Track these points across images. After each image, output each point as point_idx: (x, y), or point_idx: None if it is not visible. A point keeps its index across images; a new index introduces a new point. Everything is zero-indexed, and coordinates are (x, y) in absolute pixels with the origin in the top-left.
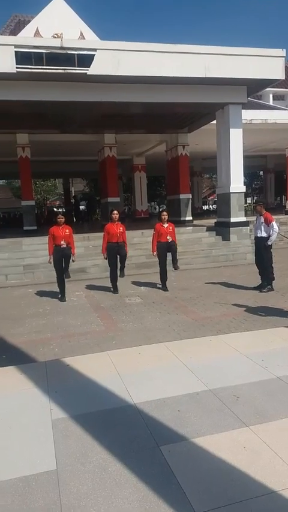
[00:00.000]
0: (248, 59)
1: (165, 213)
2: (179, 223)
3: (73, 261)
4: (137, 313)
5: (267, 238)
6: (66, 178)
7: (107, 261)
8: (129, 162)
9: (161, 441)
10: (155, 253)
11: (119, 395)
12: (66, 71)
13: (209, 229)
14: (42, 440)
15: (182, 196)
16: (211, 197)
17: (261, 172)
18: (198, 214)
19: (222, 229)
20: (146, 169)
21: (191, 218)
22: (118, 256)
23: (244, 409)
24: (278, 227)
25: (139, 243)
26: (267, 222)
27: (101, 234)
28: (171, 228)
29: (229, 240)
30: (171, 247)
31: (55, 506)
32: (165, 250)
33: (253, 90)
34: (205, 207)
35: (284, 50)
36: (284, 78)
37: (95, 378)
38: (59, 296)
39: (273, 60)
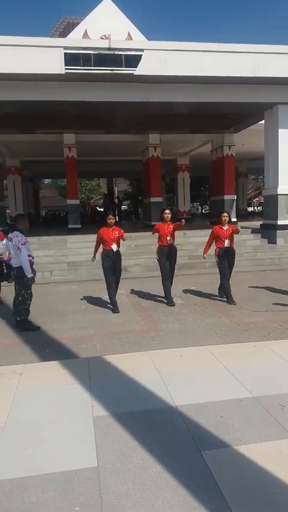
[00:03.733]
0: None
1: (167, 211)
2: None
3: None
4: (177, 314)
5: None
6: (110, 178)
7: (156, 260)
8: (172, 162)
9: (202, 446)
10: (205, 255)
11: (160, 396)
12: (113, 71)
13: (254, 231)
14: (84, 436)
15: (226, 197)
16: (256, 199)
17: None
18: (242, 215)
19: (269, 231)
20: (190, 169)
21: (235, 220)
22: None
23: None
24: None
25: (181, 243)
26: None
27: (144, 233)
28: (171, 227)
29: (275, 243)
30: (171, 252)
31: (96, 504)
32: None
33: None
34: (250, 209)
35: None
36: None
37: (136, 377)
38: (111, 307)
39: None
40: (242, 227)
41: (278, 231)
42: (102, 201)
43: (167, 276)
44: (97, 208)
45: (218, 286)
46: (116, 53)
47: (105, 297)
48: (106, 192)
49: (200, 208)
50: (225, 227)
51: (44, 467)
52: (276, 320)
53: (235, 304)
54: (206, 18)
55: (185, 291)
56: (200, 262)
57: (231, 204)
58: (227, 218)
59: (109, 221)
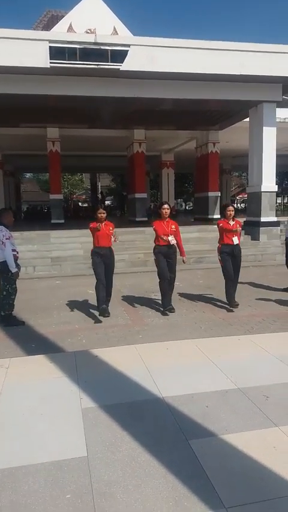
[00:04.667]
0: (284, 56)
1: (166, 206)
2: (207, 221)
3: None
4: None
5: None
6: (94, 173)
7: (135, 256)
8: (157, 159)
9: (190, 435)
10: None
11: (148, 388)
12: (99, 66)
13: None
14: (73, 427)
15: (210, 194)
16: (239, 196)
17: None
18: None
19: (252, 228)
20: (174, 166)
21: (218, 216)
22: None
23: (274, 409)
24: None
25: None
26: None
27: (128, 229)
28: (173, 226)
29: (258, 240)
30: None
31: (86, 491)
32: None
33: None
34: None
35: None
36: None
37: (124, 370)
38: (99, 308)
39: None
40: None
41: (261, 228)
42: (84, 196)
43: (165, 276)
44: (79, 203)
45: (201, 281)
46: (102, 47)
47: (91, 291)
48: (89, 187)
49: (183, 204)
50: (232, 222)
51: (34, 457)
52: (259, 314)
53: (237, 307)
54: (195, 16)
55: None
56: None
57: (215, 201)
58: (233, 212)
59: (99, 215)
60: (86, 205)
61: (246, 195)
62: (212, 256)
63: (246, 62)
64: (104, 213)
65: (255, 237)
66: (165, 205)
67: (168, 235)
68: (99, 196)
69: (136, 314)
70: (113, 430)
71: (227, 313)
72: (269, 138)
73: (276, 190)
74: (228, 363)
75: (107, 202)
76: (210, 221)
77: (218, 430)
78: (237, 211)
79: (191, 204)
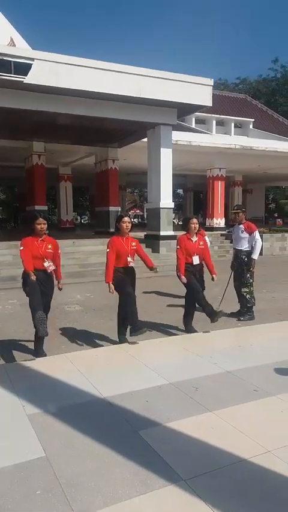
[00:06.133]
0: (180, 84)
1: (195, 220)
2: (108, 234)
3: (59, 289)
4: (80, 320)
5: (251, 251)
6: None
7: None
8: (54, 171)
9: (137, 427)
10: (184, 277)
11: (87, 391)
12: (1, 77)
13: (139, 241)
14: (24, 432)
15: (111, 208)
16: (132, 211)
17: (181, 191)
18: None
19: (152, 241)
20: (72, 179)
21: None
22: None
23: (204, 397)
24: (210, 242)
25: (71, 252)
26: (250, 232)
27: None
28: (201, 242)
29: (158, 252)
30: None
31: (55, 486)
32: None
33: (183, 113)
34: None
35: (212, 79)
36: (211, 105)
37: (60, 377)
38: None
39: (202, 87)
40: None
41: (160, 241)
42: None
43: (131, 302)
44: None
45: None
46: (5, 58)
47: (8, 306)
48: None
49: (79, 218)
50: (194, 238)
51: None
52: (171, 319)
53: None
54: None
55: (81, 298)
56: (90, 271)
57: (116, 216)
58: (197, 226)
59: (38, 226)
60: None
61: (138, 211)
62: None
63: (145, 86)
64: (45, 224)
65: (155, 250)
66: (125, 218)
67: (127, 256)
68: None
69: (53, 325)
70: (64, 431)
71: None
72: (166, 158)
73: (173, 206)
74: (156, 362)
75: None
76: (112, 234)
77: (162, 420)
78: (133, 226)
79: (86, 218)
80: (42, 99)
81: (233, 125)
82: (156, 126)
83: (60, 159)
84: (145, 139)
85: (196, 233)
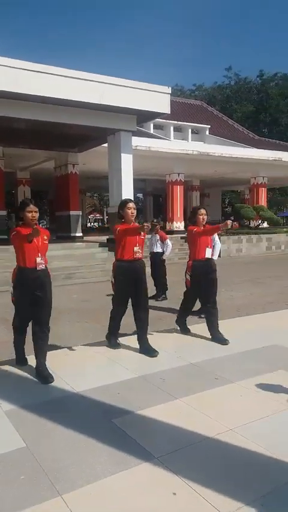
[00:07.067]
0: (139, 91)
1: (203, 211)
2: (69, 239)
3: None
4: None
5: (162, 253)
6: None
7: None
8: (12, 176)
9: (112, 416)
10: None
11: (61, 387)
12: None
13: (101, 245)
14: (2, 428)
15: (72, 212)
16: (91, 215)
17: (141, 195)
18: (84, 231)
19: (115, 245)
20: (31, 183)
21: (81, 234)
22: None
23: (171, 387)
24: (172, 244)
25: None
26: (163, 240)
27: None
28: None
29: None
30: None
31: (38, 471)
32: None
33: (142, 120)
34: (88, 224)
35: (170, 87)
36: (169, 112)
37: (32, 376)
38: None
39: (160, 95)
40: (89, 241)
41: None
42: None
43: (121, 310)
44: None
45: (75, 295)
46: None
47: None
48: None
49: (38, 222)
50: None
51: None
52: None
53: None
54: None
55: None
56: (54, 275)
57: (77, 219)
58: (205, 217)
59: (29, 215)
60: None
61: (98, 215)
62: (80, 272)
63: (106, 93)
64: (37, 212)
65: None
66: (131, 203)
67: (136, 246)
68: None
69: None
70: (42, 423)
71: (107, 322)
72: (127, 163)
73: None
74: (124, 358)
75: None
76: (73, 239)
77: (134, 408)
78: (94, 230)
79: (45, 222)
80: (1, 104)
81: (190, 130)
82: (116, 132)
83: (19, 164)
84: (105, 145)
85: (203, 225)
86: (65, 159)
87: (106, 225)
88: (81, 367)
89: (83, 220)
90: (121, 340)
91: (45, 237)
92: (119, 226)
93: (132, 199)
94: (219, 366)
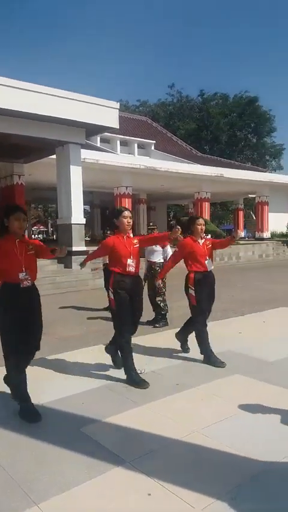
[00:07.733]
0: (88, 105)
1: (201, 221)
2: None
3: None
4: None
5: (163, 263)
6: None
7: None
8: None
9: (79, 425)
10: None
11: None
12: None
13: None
14: None
15: None
16: (36, 227)
17: (88, 207)
18: None
19: (64, 257)
20: None
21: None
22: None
23: (134, 394)
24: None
25: None
26: (163, 246)
27: None
28: (208, 242)
29: (71, 268)
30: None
31: (11, 483)
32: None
33: (91, 133)
34: (33, 236)
35: (118, 102)
36: (118, 127)
37: None
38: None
39: (109, 110)
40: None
41: (73, 257)
42: None
43: (128, 332)
44: None
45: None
46: None
47: None
48: None
49: None
50: (201, 241)
51: None
52: (92, 331)
53: (223, 367)
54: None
55: None
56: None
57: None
58: (204, 227)
59: (16, 223)
60: None
61: (42, 227)
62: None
63: (51, 105)
64: (24, 221)
65: (67, 265)
66: (127, 212)
67: (129, 257)
68: None
69: None
70: (6, 436)
71: (63, 334)
72: (76, 175)
73: (84, 222)
74: (87, 370)
75: None
76: None
77: (100, 417)
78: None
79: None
80: None
81: (136, 145)
82: (65, 144)
83: None
84: (53, 156)
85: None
86: (11, 170)
87: (51, 237)
88: (45, 378)
89: (27, 232)
90: (89, 350)
91: (30, 247)
92: (110, 238)
93: (81, 210)
94: (179, 372)
